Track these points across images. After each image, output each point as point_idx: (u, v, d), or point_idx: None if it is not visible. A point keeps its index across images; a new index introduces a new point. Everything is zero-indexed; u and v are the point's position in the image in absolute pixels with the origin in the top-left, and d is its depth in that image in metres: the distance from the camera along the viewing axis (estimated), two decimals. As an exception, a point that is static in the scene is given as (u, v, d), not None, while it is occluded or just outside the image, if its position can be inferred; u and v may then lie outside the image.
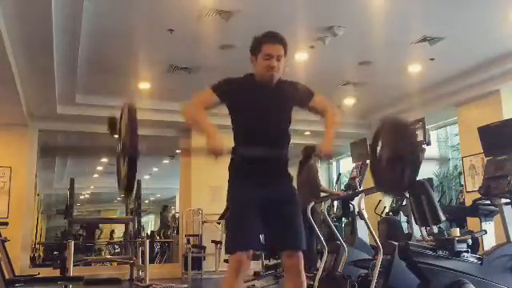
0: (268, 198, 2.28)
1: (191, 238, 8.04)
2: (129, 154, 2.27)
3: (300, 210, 2.42)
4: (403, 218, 6.05)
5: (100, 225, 14.06)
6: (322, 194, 5.69)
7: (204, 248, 7.94)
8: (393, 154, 2.36)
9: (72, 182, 7.92)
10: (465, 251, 3.55)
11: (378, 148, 2.50)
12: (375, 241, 3.83)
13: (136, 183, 8.77)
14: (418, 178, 4.44)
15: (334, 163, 11.50)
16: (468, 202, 6.27)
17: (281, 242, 2.32)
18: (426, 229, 3.92)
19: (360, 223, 4.90)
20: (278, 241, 2.33)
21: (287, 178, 2.44)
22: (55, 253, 12.01)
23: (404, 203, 5.66)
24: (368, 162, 6.07)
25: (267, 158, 2.32)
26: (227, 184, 2.38)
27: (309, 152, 5.74)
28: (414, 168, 2.39)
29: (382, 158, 2.44)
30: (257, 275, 5.91)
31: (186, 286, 6.68)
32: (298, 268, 2.28)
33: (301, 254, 2.30)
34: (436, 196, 5.48)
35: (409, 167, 2.33)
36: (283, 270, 2.50)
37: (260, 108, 2.34)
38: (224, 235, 7.47)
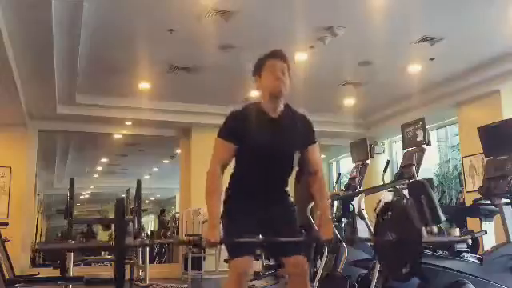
0: (266, 215, 2.28)
1: (191, 238, 8.02)
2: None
3: (297, 223, 2.42)
4: (403, 218, 6.04)
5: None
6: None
7: (204, 248, 7.93)
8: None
9: (72, 181, 7.89)
10: (465, 251, 3.55)
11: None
12: (375, 241, 3.82)
13: (136, 183, 8.68)
14: (418, 178, 4.48)
15: (334, 163, 11.50)
16: (468, 202, 6.26)
17: (280, 249, 2.31)
18: (426, 229, 3.91)
19: (360, 223, 4.90)
20: (278, 249, 2.34)
21: (286, 201, 2.42)
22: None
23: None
24: (368, 162, 6.08)
25: (266, 190, 2.31)
26: (223, 206, 2.31)
27: None
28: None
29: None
30: (257, 275, 5.91)
31: (186, 286, 6.68)
32: (302, 276, 2.24)
33: (304, 260, 2.25)
34: (436, 196, 5.46)
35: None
36: (282, 269, 2.49)
37: (266, 141, 2.24)
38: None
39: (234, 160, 2.34)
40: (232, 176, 2.35)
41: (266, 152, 2.24)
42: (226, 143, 2.26)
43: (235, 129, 2.26)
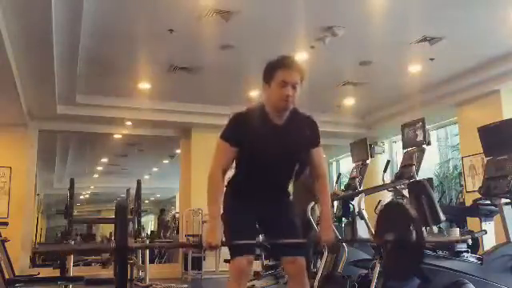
0: (265, 212, 2.29)
1: (191, 238, 8.04)
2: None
3: (298, 222, 2.39)
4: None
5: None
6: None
7: (205, 249, 7.92)
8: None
9: (72, 181, 7.90)
10: (465, 251, 3.55)
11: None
12: (375, 241, 3.82)
13: (136, 183, 8.64)
14: (418, 178, 4.47)
15: (334, 163, 11.49)
16: (468, 202, 6.26)
17: (280, 249, 2.31)
18: (426, 229, 3.91)
19: (360, 223, 4.90)
20: (277, 248, 2.35)
21: (286, 199, 2.40)
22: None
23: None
24: (368, 162, 6.07)
25: (266, 193, 2.30)
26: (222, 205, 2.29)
27: None
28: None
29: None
30: (257, 275, 5.91)
31: (186, 286, 6.68)
32: (300, 275, 2.25)
33: (302, 261, 2.26)
34: (436, 196, 5.46)
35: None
36: (283, 270, 2.49)
37: (268, 149, 2.21)
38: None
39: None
40: (232, 176, 2.36)
41: (267, 160, 2.22)
42: (227, 145, 2.22)
43: (238, 133, 2.22)
